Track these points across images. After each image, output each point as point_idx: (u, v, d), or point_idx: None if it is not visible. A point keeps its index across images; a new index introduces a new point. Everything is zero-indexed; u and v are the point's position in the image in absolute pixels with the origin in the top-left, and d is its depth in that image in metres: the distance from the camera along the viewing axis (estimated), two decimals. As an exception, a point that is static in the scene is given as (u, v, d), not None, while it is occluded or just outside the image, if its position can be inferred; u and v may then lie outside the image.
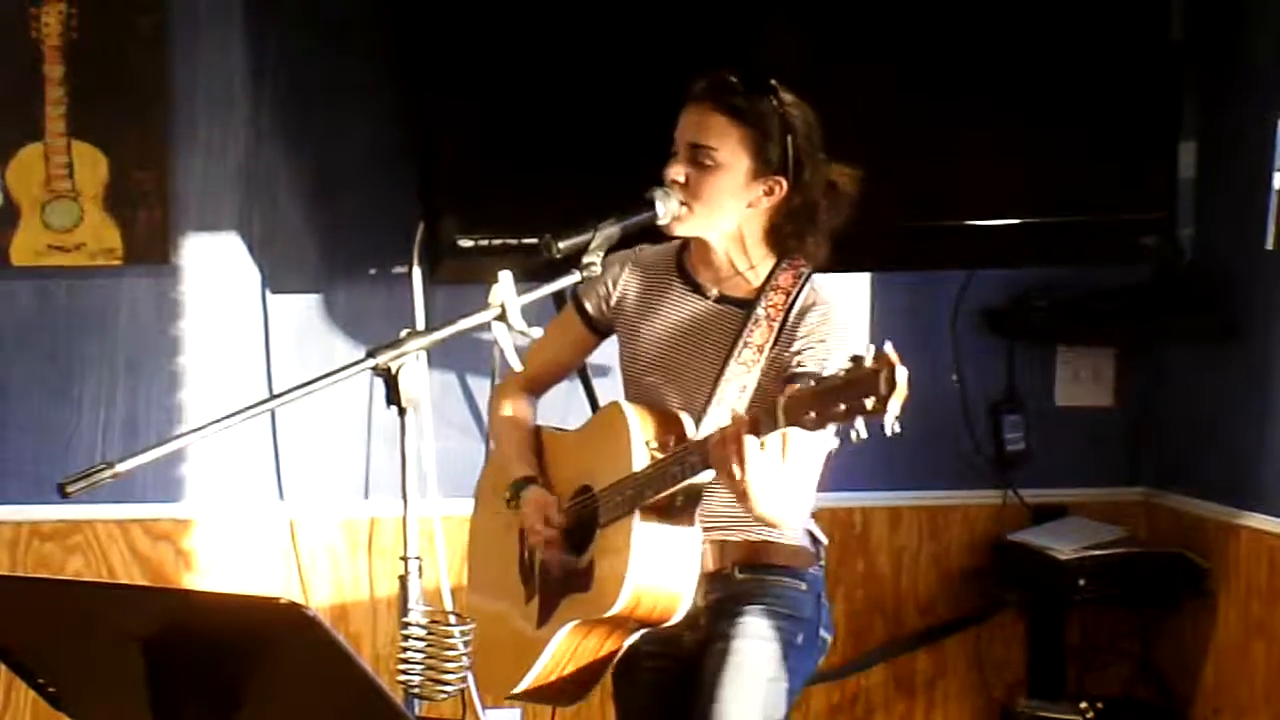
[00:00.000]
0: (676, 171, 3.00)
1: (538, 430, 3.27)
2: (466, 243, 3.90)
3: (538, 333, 2.95)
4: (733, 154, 3.00)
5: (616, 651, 3.02)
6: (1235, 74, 4.12)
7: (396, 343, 2.72)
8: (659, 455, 2.92)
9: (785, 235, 3.05)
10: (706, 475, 2.85)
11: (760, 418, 2.74)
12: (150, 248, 4.14)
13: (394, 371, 2.70)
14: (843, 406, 2.58)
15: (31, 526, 4.18)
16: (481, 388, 4.25)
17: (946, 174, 3.92)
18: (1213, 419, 4.28)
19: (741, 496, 2.81)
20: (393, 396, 2.71)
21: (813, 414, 2.62)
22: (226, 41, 4.15)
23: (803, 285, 3.04)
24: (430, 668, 2.71)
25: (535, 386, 3.31)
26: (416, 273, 4.15)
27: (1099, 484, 4.51)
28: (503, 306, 2.80)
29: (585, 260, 2.91)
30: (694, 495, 2.92)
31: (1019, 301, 4.37)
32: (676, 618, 2.94)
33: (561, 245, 2.91)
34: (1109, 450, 4.52)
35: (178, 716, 2.27)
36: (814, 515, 3.22)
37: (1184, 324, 4.29)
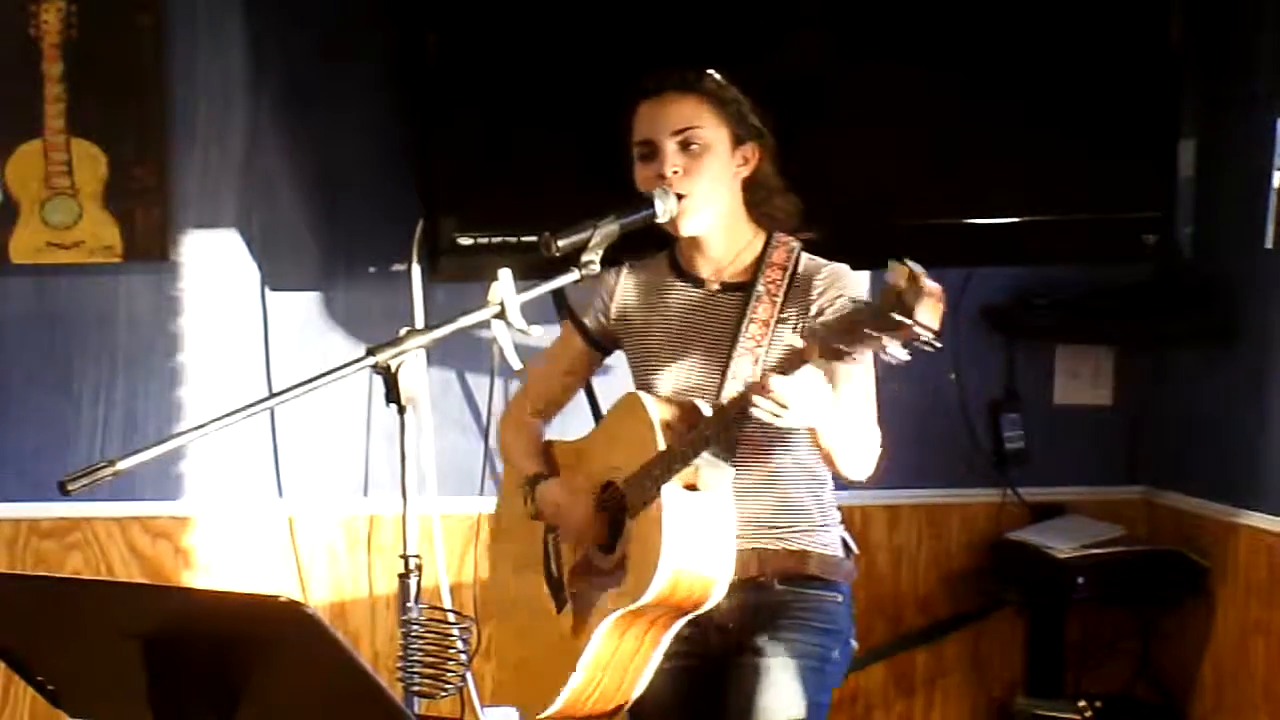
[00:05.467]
0: (671, 164, 3.00)
1: (549, 445, 3.25)
2: (466, 240, 3.90)
3: (537, 330, 2.95)
4: (714, 130, 3.03)
5: (654, 653, 2.97)
6: (1235, 74, 4.11)
7: (396, 340, 2.72)
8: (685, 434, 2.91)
9: (759, 201, 3.09)
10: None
11: (785, 358, 2.72)
12: (149, 245, 4.14)
13: (393, 369, 2.70)
14: (870, 329, 2.52)
15: (30, 524, 4.18)
16: (481, 385, 4.25)
17: (946, 172, 3.92)
18: (1212, 418, 4.28)
19: (813, 434, 2.83)
20: (392, 394, 2.71)
21: (840, 343, 2.58)
22: (226, 39, 4.15)
23: (797, 259, 3.06)
24: (430, 666, 2.71)
25: (541, 410, 3.30)
26: (416, 270, 4.15)
27: (1098, 483, 4.50)
28: (502, 304, 2.81)
29: (584, 258, 2.91)
30: (721, 474, 2.88)
31: (1018, 300, 4.37)
32: (713, 600, 2.89)
33: (560, 243, 2.91)
34: (1108, 449, 4.52)
35: (177, 714, 2.27)
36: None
37: (1184, 323, 4.28)
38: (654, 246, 3.16)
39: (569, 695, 2.99)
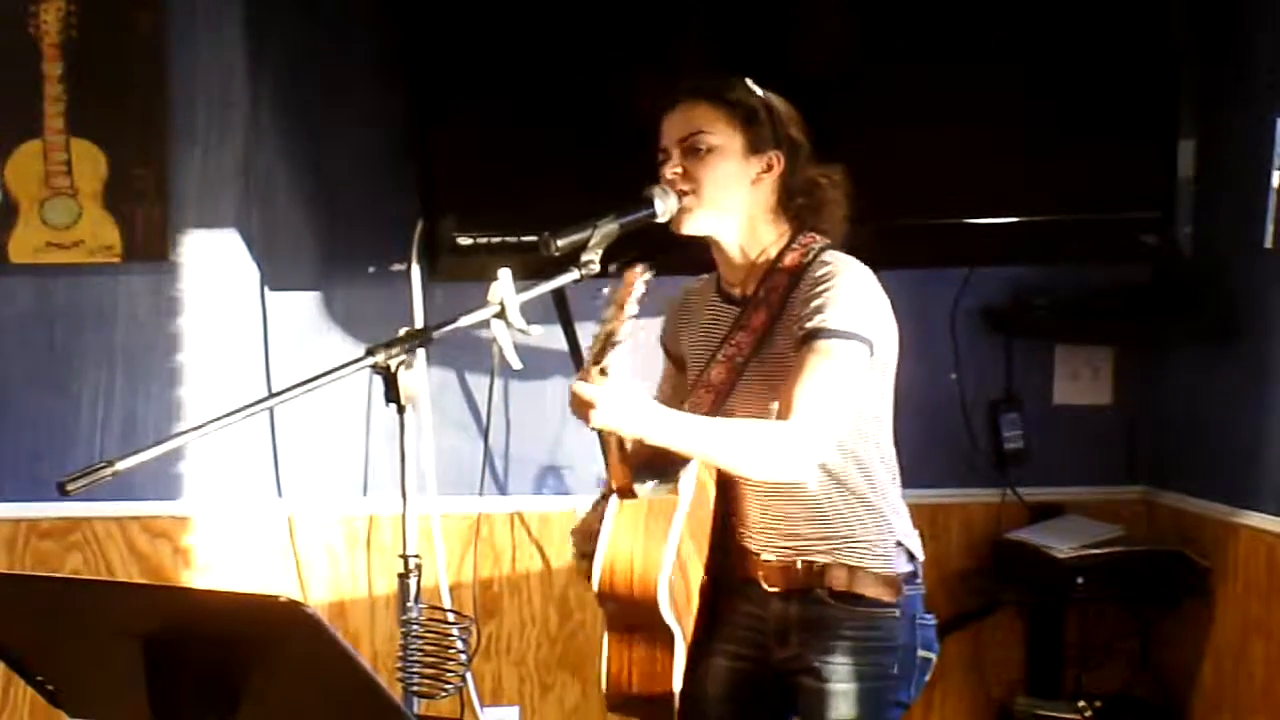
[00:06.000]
0: (673, 166, 3.01)
1: None
2: (465, 240, 3.91)
3: (537, 330, 2.95)
4: (724, 135, 3.01)
5: (674, 659, 2.95)
6: (1235, 73, 4.11)
7: (395, 340, 2.72)
8: None
9: (800, 207, 3.04)
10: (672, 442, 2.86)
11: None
12: (149, 245, 4.14)
13: (393, 369, 2.70)
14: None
15: (30, 524, 4.18)
16: (481, 385, 4.25)
17: (946, 172, 3.92)
18: (1211, 417, 4.28)
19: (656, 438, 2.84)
20: (391, 394, 2.71)
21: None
22: (226, 39, 4.15)
23: (810, 261, 2.99)
24: (429, 666, 2.71)
25: None
26: (415, 270, 4.15)
27: (1097, 483, 4.51)
28: (501, 304, 2.81)
29: (583, 258, 2.91)
30: (647, 485, 2.92)
31: (1018, 300, 4.38)
32: (661, 594, 2.88)
33: (560, 243, 2.91)
34: (1107, 449, 4.52)
35: (176, 714, 2.27)
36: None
37: (1183, 323, 4.28)
38: (648, 247, 3.16)
39: (607, 680, 2.99)
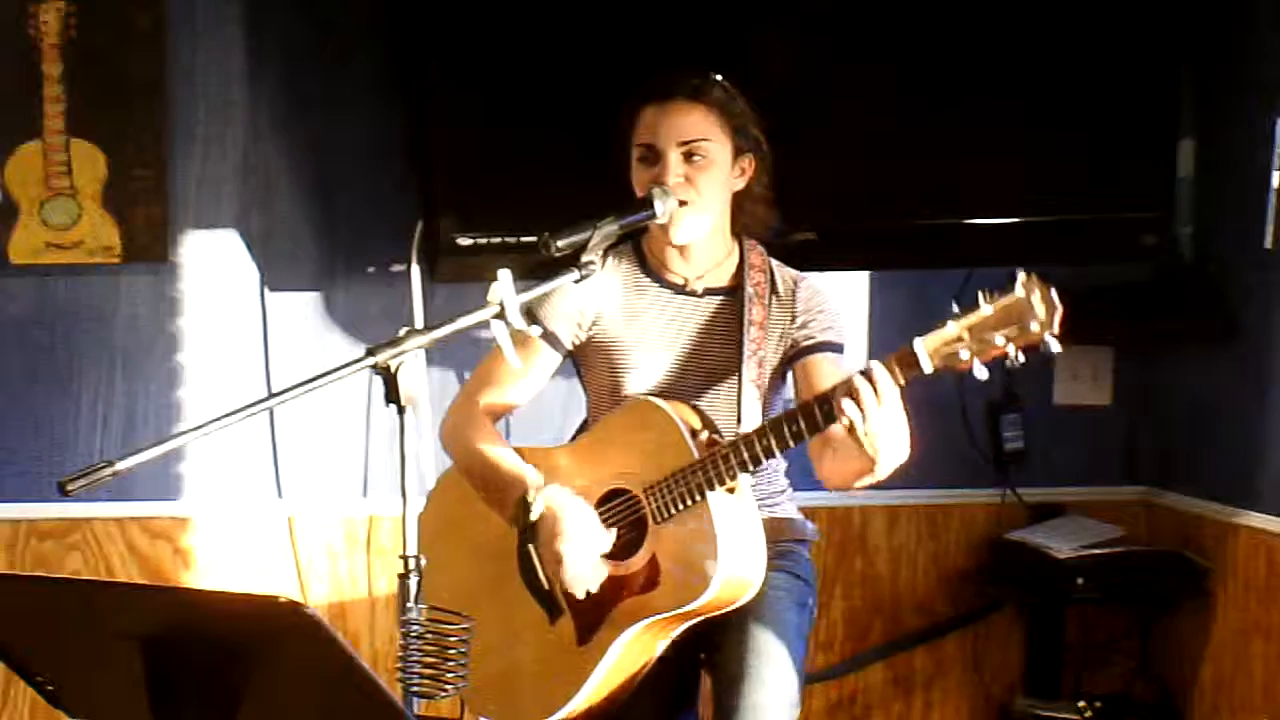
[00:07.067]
0: (674, 174, 3.02)
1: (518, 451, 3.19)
2: (465, 241, 3.90)
3: (536, 331, 2.95)
4: (720, 144, 3.07)
5: (656, 650, 2.98)
6: (1235, 74, 4.12)
7: (395, 341, 2.72)
8: (717, 440, 2.94)
9: (743, 211, 3.14)
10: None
11: (899, 364, 2.74)
12: (149, 246, 4.14)
13: (393, 370, 2.69)
14: (1000, 338, 2.60)
15: (30, 525, 4.18)
16: (480, 386, 4.25)
17: (946, 173, 3.91)
18: (1211, 418, 4.28)
19: (864, 450, 2.81)
20: (391, 395, 2.71)
21: (966, 352, 2.64)
22: (226, 39, 4.15)
23: (769, 262, 3.15)
24: (429, 667, 2.71)
25: (495, 417, 3.25)
26: (415, 271, 4.15)
27: (1097, 483, 4.51)
28: (501, 305, 2.80)
29: (583, 259, 2.91)
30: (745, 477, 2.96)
31: (1018, 300, 4.37)
32: (744, 600, 2.94)
33: (560, 244, 2.91)
34: (1107, 449, 4.52)
35: (177, 715, 2.27)
36: (811, 514, 3.28)
37: (1183, 323, 4.29)
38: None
39: (586, 695, 2.98)
